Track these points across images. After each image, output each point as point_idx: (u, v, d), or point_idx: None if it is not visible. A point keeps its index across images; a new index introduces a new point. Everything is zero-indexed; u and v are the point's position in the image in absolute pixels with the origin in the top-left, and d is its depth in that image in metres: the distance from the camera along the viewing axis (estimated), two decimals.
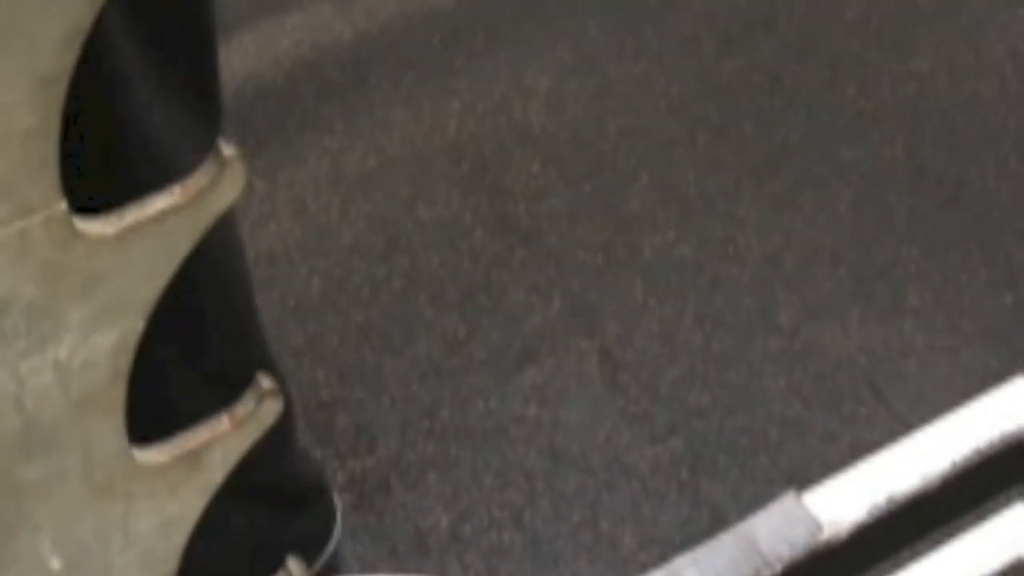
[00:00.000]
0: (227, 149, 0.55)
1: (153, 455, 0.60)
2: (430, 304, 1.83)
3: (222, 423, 0.63)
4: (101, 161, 1.02)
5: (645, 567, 1.46)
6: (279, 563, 0.79)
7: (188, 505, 0.64)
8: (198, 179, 0.54)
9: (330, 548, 1.42)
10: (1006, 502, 1.16)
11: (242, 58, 2.09)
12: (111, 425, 0.57)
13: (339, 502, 1.44)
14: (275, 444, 1.26)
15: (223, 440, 0.63)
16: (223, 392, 0.65)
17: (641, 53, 2.09)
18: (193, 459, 0.62)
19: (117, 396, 0.56)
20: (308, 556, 1.42)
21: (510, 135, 2.01)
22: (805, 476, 1.53)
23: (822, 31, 2.11)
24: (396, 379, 1.76)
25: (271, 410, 0.65)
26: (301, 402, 1.73)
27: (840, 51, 2.10)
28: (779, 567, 1.07)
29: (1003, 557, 1.22)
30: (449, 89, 2.07)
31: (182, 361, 1.21)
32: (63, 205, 0.50)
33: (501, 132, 2.01)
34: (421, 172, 1.97)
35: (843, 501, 1.10)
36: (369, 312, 1.82)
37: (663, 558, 1.27)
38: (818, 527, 1.06)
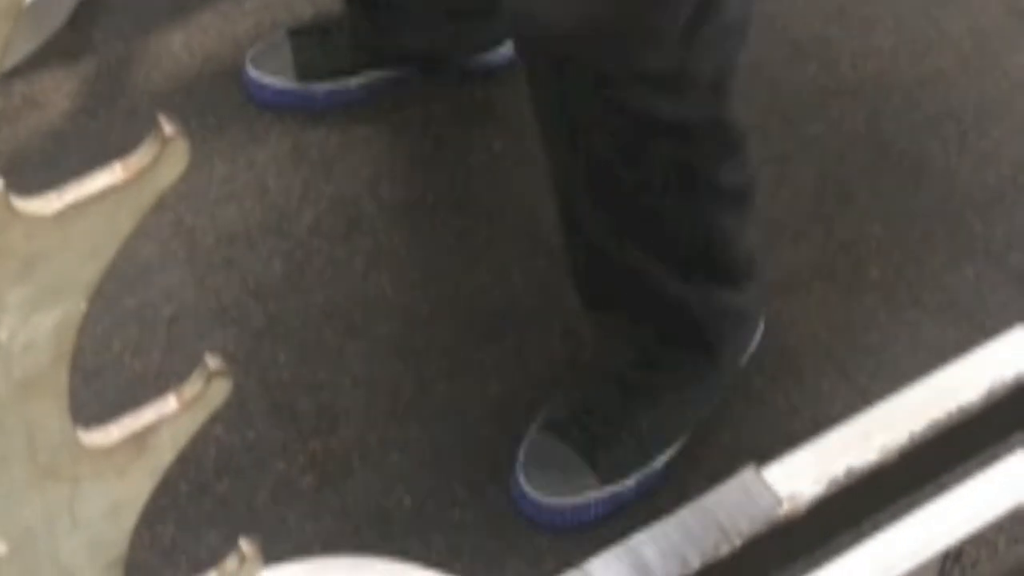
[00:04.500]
0: (168, 127, 0.54)
1: (99, 437, 0.60)
2: (391, 284, 1.82)
3: (169, 404, 0.62)
4: None
5: (608, 541, 1.46)
6: None
7: (136, 488, 0.64)
8: (139, 157, 0.54)
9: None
10: (963, 473, 1.17)
11: (201, 39, 2.07)
12: (55, 407, 0.56)
13: None
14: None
15: (171, 421, 0.63)
16: None
17: None
18: (140, 441, 0.62)
19: (60, 378, 0.55)
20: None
21: (472, 114, 2.00)
22: (768, 450, 1.53)
23: (783, 8, 2.11)
24: (358, 359, 1.76)
25: (219, 390, 0.64)
26: (262, 384, 1.72)
27: (801, 28, 2.10)
28: (739, 542, 1.07)
29: (970, 526, 1.23)
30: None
31: None
32: (0, 184, 0.49)
33: (463, 111, 2.01)
34: (383, 152, 1.97)
35: (802, 475, 1.10)
36: (331, 293, 1.82)
37: (626, 532, 1.27)
38: (778, 501, 1.07)
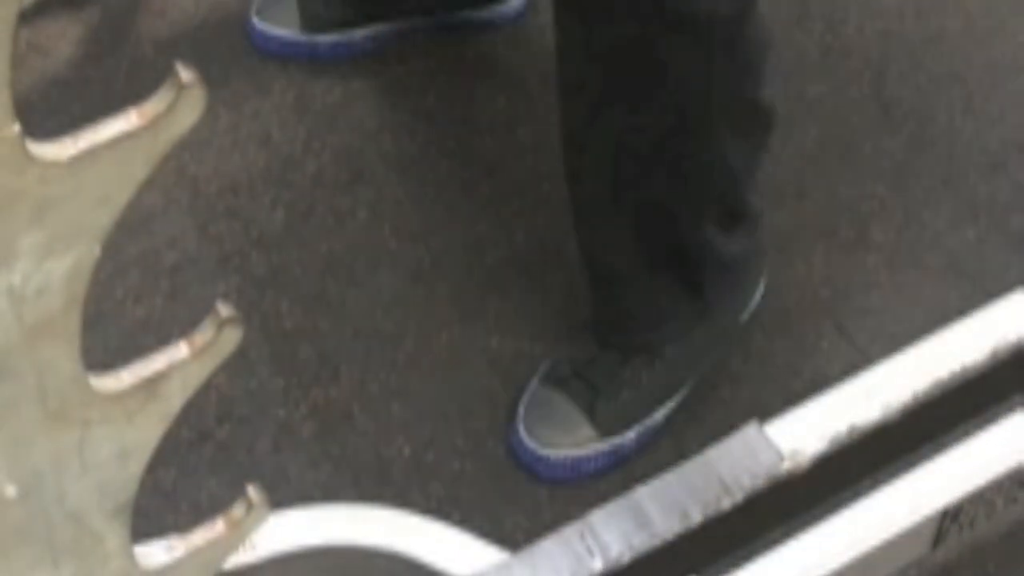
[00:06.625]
0: (185, 74, 0.54)
1: (109, 382, 0.60)
2: (394, 235, 1.83)
3: (180, 350, 0.62)
4: None
5: (607, 494, 1.47)
6: None
7: (146, 433, 0.64)
8: (155, 103, 0.54)
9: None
10: (963, 433, 1.18)
11: None
12: (66, 351, 0.56)
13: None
14: None
15: (182, 368, 0.63)
16: None
17: None
18: (151, 387, 0.62)
19: (72, 322, 0.56)
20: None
21: (475, 69, 2.00)
22: (766, 408, 1.53)
23: None
24: (359, 309, 1.76)
25: (230, 338, 0.64)
26: (264, 333, 1.72)
27: None
28: (741, 496, 1.08)
29: (969, 485, 1.24)
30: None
31: None
32: (16, 128, 0.49)
33: (467, 65, 2.00)
34: (386, 104, 1.96)
35: (805, 432, 1.11)
36: (333, 243, 1.82)
37: (624, 486, 1.28)
38: (780, 457, 1.07)
